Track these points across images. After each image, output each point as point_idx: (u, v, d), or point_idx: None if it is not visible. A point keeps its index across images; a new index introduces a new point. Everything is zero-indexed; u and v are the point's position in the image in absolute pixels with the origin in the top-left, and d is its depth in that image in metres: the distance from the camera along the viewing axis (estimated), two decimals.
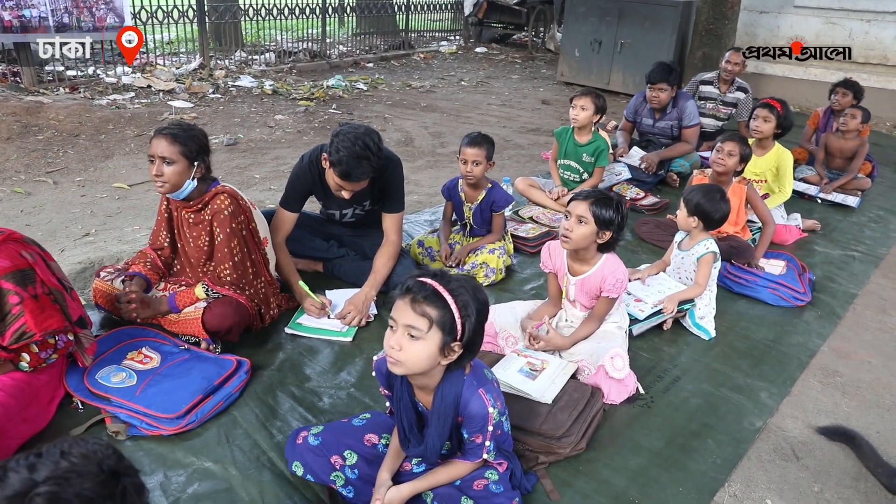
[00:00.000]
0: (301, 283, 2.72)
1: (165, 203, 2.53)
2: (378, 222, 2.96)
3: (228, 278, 2.43)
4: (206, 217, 2.41)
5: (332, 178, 2.62)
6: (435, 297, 1.44)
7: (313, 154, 2.77)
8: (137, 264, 2.52)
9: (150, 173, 2.32)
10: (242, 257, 2.44)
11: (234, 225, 2.39)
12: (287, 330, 2.61)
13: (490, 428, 1.60)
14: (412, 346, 1.45)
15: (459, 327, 1.46)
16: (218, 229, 2.39)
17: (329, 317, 2.67)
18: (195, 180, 2.34)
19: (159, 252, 2.58)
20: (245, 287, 2.46)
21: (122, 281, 2.49)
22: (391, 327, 1.50)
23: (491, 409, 1.58)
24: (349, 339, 2.59)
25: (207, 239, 2.44)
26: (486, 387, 1.61)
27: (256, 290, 2.53)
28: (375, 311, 2.77)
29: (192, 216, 2.44)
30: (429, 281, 1.46)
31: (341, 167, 2.51)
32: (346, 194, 2.64)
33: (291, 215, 2.83)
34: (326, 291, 2.85)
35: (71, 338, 2.03)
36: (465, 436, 1.64)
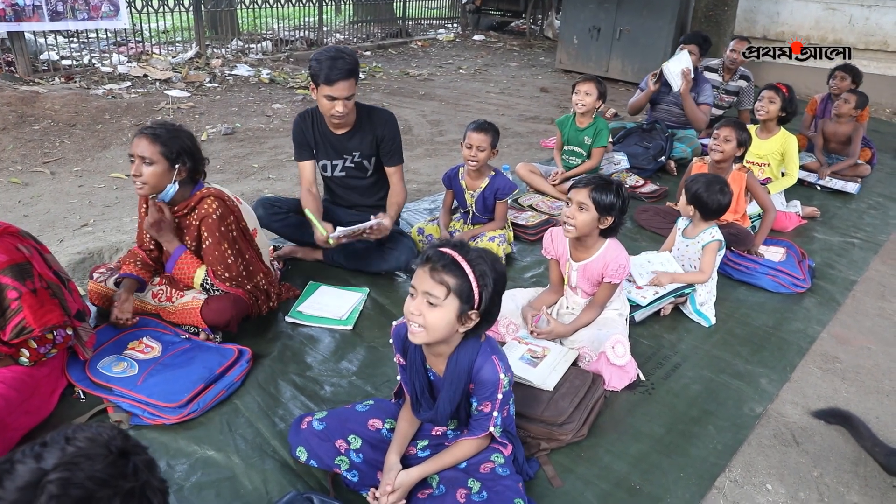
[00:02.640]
0: (308, 211, 2.71)
1: (145, 206, 2.42)
2: (370, 196, 3.03)
3: (226, 276, 2.40)
4: (194, 222, 2.34)
5: (321, 99, 2.70)
6: (453, 265, 1.49)
7: (308, 107, 2.90)
8: (128, 264, 2.45)
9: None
10: (235, 259, 2.40)
11: (222, 228, 2.33)
12: (287, 319, 2.61)
13: (500, 396, 1.63)
14: (431, 312, 1.51)
15: (476, 296, 1.51)
16: (206, 233, 2.33)
17: (329, 242, 2.64)
18: (177, 184, 2.25)
19: (148, 252, 2.51)
20: (243, 283, 2.44)
21: (116, 283, 2.45)
22: (411, 295, 1.54)
23: (502, 376, 1.62)
24: (349, 326, 2.59)
25: (194, 244, 2.39)
26: (500, 355, 1.66)
27: (256, 284, 2.50)
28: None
29: (178, 220, 2.38)
30: (448, 250, 1.51)
31: (323, 74, 2.61)
32: (340, 108, 2.69)
33: (307, 163, 2.97)
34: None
35: (70, 332, 2.02)
36: (475, 404, 1.66)
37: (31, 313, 1.83)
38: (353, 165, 2.98)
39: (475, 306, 1.52)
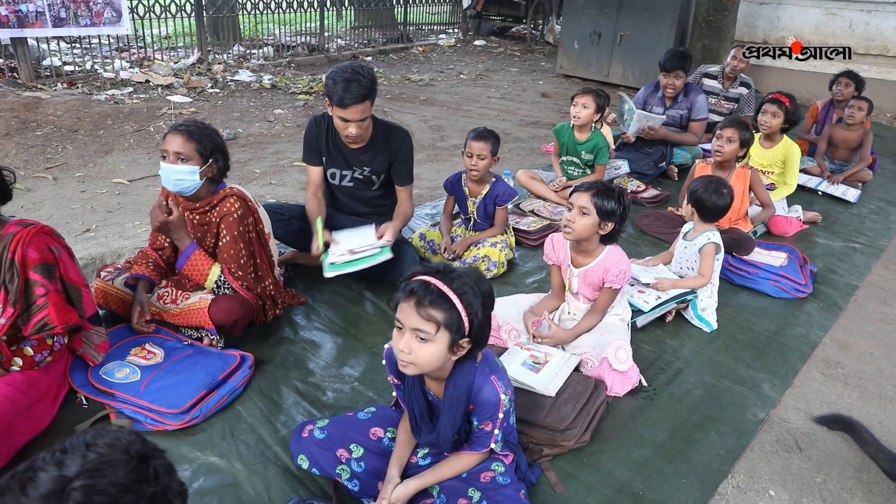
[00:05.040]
0: (319, 220, 2.76)
1: (165, 200, 2.48)
2: (373, 206, 3.04)
3: (239, 274, 2.41)
4: (214, 219, 2.37)
5: (335, 118, 2.69)
6: (440, 298, 1.44)
7: (324, 112, 2.87)
8: (140, 265, 2.47)
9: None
10: (247, 261, 2.42)
11: (241, 228, 2.37)
12: (326, 275, 2.63)
13: (500, 415, 1.61)
14: (422, 347, 1.46)
15: (467, 325, 1.47)
16: (224, 231, 2.36)
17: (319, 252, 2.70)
18: (204, 179, 2.30)
19: (160, 252, 2.53)
20: (253, 286, 2.45)
21: (127, 284, 2.46)
22: (398, 328, 1.50)
23: (503, 396, 1.60)
24: (390, 255, 2.65)
25: (213, 240, 2.41)
26: (498, 374, 1.63)
27: (264, 288, 2.52)
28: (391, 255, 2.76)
29: (198, 217, 2.41)
30: (432, 281, 1.46)
31: (336, 95, 2.58)
32: (353, 130, 2.69)
33: (315, 168, 2.96)
34: (333, 233, 2.83)
35: (66, 341, 2.02)
36: (475, 423, 1.65)
37: (55, 310, 1.87)
38: (361, 178, 2.99)
39: (466, 335, 1.49)
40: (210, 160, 2.28)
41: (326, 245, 2.74)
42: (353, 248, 2.68)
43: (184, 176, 2.25)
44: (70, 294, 1.96)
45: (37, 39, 6.72)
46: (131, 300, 2.43)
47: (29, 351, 1.91)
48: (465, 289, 1.46)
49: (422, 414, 1.67)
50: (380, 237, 2.75)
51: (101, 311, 2.52)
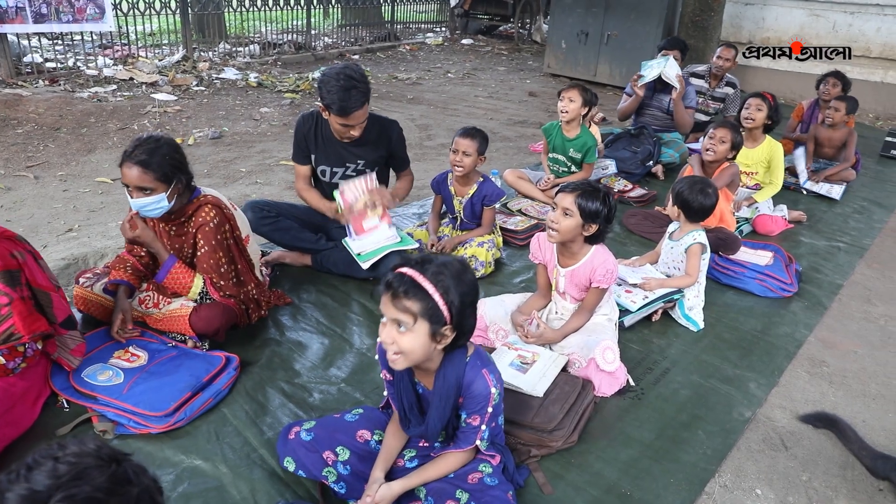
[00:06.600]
0: (336, 194, 2.85)
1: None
2: None
3: (220, 284, 2.38)
4: (190, 230, 2.33)
5: (335, 124, 2.72)
6: (414, 288, 1.44)
7: (313, 109, 2.88)
8: (118, 270, 2.40)
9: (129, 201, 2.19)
10: (228, 268, 2.38)
11: (218, 237, 2.32)
12: (364, 266, 2.80)
13: (489, 409, 1.61)
14: (403, 338, 1.47)
15: (445, 313, 1.46)
16: (202, 241, 2.31)
17: (339, 211, 2.87)
18: (173, 199, 2.23)
19: (138, 258, 2.47)
20: (236, 293, 2.41)
21: (106, 290, 2.41)
22: (383, 322, 1.51)
23: (493, 389, 1.60)
24: (416, 245, 2.89)
25: (191, 251, 2.37)
26: (490, 368, 1.64)
27: (247, 293, 2.48)
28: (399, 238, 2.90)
29: (174, 229, 2.36)
30: (407, 272, 1.46)
31: (337, 105, 2.61)
32: (356, 132, 2.74)
33: (304, 168, 3.00)
34: (355, 242, 2.90)
35: (39, 346, 1.97)
36: (463, 416, 1.65)
37: (20, 320, 1.80)
38: (354, 174, 2.96)
39: (447, 322, 1.48)
40: (174, 181, 2.21)
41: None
42: (376, 241, 2.83)
43: (152, 206, 2.20)
44: (39, 300, 1.90)
45: (17, 35, 6.62)
46: (111, 306, 2.38)
47: (0, 359, 1.86)
48: (440, 277, 1.46)
49: (411, 406, 1.67)
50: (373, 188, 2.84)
51: (80, 314, 2.49)
